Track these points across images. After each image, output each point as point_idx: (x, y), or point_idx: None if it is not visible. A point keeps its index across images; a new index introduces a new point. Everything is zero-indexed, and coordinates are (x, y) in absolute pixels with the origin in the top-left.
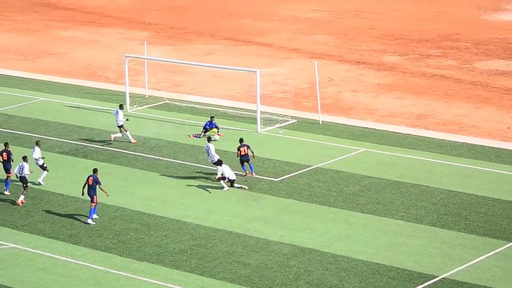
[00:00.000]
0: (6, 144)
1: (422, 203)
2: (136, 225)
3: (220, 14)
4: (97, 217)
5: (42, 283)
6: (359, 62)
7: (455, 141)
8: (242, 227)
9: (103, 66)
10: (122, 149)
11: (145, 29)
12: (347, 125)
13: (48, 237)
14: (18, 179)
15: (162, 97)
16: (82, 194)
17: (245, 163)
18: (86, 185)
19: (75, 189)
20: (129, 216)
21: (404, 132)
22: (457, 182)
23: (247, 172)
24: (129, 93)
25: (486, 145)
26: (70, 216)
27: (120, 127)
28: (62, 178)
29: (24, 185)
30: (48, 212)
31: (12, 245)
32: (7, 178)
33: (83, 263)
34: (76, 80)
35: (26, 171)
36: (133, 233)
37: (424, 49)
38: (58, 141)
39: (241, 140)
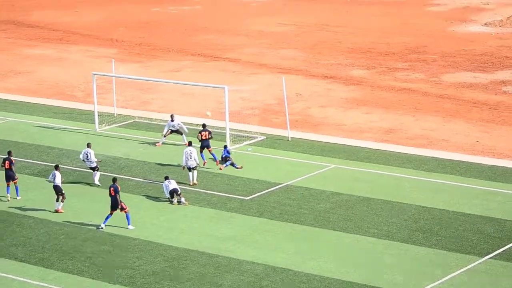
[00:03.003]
0: (9, 153)
1: (393, 220)
2: (108, 247)
3: (187, 30)
4: (133, 227)
5: None
6: (327, 77)
7: (425, 156)
8: (214, 247)
9: (71, 84)
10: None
11: (113, 46)
12: (317, 141)
13: (20, 261)
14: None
15: (131, 116)
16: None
17: (205, 150)
18: (110, 195)
19: (46, 211)
20: (101, 238)
21: (374, 148)
22: (428, 197)
23: (205, 161)
24: (98, 111)
25: (455, 159)
26: (41, 239)
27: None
28: (33, 200)
29: (59, 193)
30: (19, 235)
31: None
32: (8, 185)
33: (56, 287)
34: (44, 99)
35: (58, 180)
36: (105, 255)
37: (391, 62)
38: (28, 162)
39: (203, 125)
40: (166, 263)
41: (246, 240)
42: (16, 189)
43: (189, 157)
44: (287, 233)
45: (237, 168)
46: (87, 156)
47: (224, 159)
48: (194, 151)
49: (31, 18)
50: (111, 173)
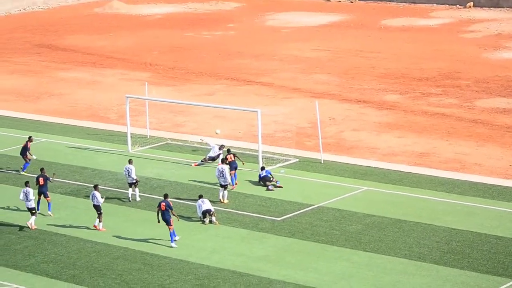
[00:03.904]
0: (42, 170)
1: (425, 241)
2: (139, 265)
3: (220, 54)
4: (179, 237)
5: None
6: (360, 101)
7: (457, 179)
8: (245, 267)
9: (105, 106)
10: (124, 189)
11: (146, 70)
12: (349, 164)
13: (51, 278)
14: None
15: (163, 137)
16: (158, 222)
17: (232, 173)
18: (159, 211)
19: (77, 229)
20: (132, 256)
21: (406, 171)
22: (460, 220)
23: (235, 183)
24: (131, 133)
25: (488, 182)
26: (73, 256)
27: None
28: (65, 218)
29: (99, 212)
30: (50, 252)
31: (15, 286)
32: (38, 199)
33: None
34: (78, 121)
35: (99, 199)
36: (135, 273)
37: (425, 88)
38: (60, 181)
39: (228, 150)
40: (197, 282)
41: (277, 260)
42: (49, 205)
43: (220, 175)
44: (318, 253)
45: (278, 186)
46: (129, 172)
47: (263, 179)
48: (226, 168)
49: (65, 42)
50: (143, 193)
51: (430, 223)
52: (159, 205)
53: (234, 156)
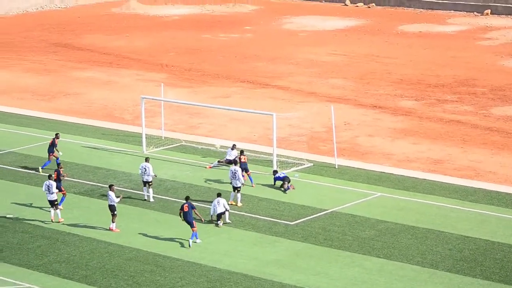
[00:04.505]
0: (58, 165)
1: (438, 249)
2: (151, 266)
3: (237, 57)
4: (200, 240)
5: None
6: (376, 107)
7: (471, 187)
8: (257, 270)
9: (120, 107)
10: (137, 190)
11: (162, 71)
12: (363, 169)
13: (63, 278)
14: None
15: (178, 139)
16: (183, 220)
17: (245, 174)
18: (182, 212)
19: (90, 229)
20: (144, 258)
21: (420, 177)
22: (473, 228)
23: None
24: (145, 134)
25: (502, 191)
26: (85, 256)
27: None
28: (78, 218)
29: (112, 213)
30: (63, 252)
31: (27, 285)
32: (63, 195)
33: None
34: (93, 120)
35: (114, 199)
36: (148, 275)
37: (440, 94)
38: (74, 181)
39: (241, 152)
40: (209, 284)
41: (290, 264)
42: (62, 199)
43: (233, 176)
44: (331, 258)
45: (290, 188)
46: (145, 170)
47: (283, 180)
48: (239, 170)
49: (81, 42)
50: (157, 195)
51: (443, 230)
52: (182, 207)
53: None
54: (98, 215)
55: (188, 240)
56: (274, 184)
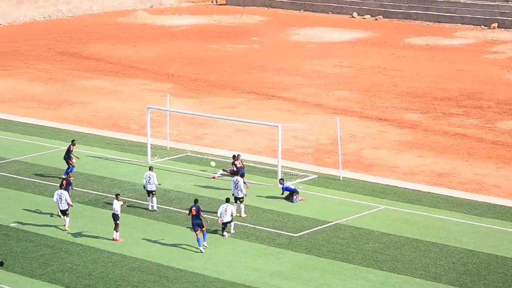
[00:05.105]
0: (67, 174)
1: (441, 262)
2: (154, 277)
3: (243, 68)
4: (206, 244)
5: None
6: (381, 119)
7: (475, 200)
8: (260, 282)
9: (125, 116)
10: (142, 201)
11: (168, 81)
12: (368, 181)
13: (66, 287)
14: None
15: (183, 149)
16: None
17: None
18: (191, 215)
19: (94, 239)
20: (148, 268)
21: (425, 190)
22: (477, 242)
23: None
24: (151, 144)
25: (506, 205)
26: (88, 266)
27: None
28: (81, 227)
29: (115, 222)
30: (66, 261)
31: None
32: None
33: None
34: (98, 130)
35: (117, 208)
36: (151, 285)
37: (446, 108)
38: (78, 190)
39: (234, 157)
40: None
41: (293, 276)
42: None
43: (235, 187)
44: (334, 271)
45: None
46: (149, 179)
47: (293, 192)
48: (241, 180)
49: (88, 51)
50: (161, 205)
51: (447, 244)
52: (190, 210)
53: (241, 162)
54: (102, 224)
55: (199, 248)
56: (283, 193)
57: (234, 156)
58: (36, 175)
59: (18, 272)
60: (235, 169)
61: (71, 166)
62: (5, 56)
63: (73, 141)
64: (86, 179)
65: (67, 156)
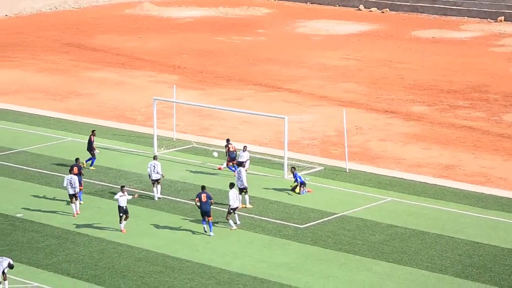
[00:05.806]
0: (77, 160)
1: (447, 254)
2: (160, 267)
3: (249, 60)
4: (213, 234)
5: None
6: (387, 111)
7: (482, 193)
8: (266, 273)
9: (132, 108)
10: (148, 191)
11: (175, 73)
12: (374, 173)
13: (72, 277)
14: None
15: (189, 141)
16: (199, 207)
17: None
18: (200, 202)
19: (100, 230)
20: (154, 259)
21: (431, 182)
22: (483, 234)
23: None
24: (157, 135)
25: None
26: (94, 256)
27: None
28: (88, 218)
29: (120, 214)
30: (72, 252)
31: (36, 284)
32: (80, 190)
33: None
34: (104, 121)
35: (122, 201)
36: (157, 276)
37: (452, 100)
38: (85, 181)
39: (227, 140)
40: (218, 286)
41: (299, 267)
42: (80, 193)
43: (238, 177)
44: (340, 262)
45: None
46: (154, 168)
47: (301, 184)
48: (243, 171)
49: (95, 42)
50: (167, 196)
51: (453, 236)
52: (200, 197)
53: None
54: (109, 215)
55: (206, 232)
56: (296, 181)
57: (227, 140)
58: (43, 166)
59: (24, 262)
60: (242, 161)
61: (93, 157)
62: (12, 47)
63: (93, 131)
64: (92, 170)
65: (90, 147)
